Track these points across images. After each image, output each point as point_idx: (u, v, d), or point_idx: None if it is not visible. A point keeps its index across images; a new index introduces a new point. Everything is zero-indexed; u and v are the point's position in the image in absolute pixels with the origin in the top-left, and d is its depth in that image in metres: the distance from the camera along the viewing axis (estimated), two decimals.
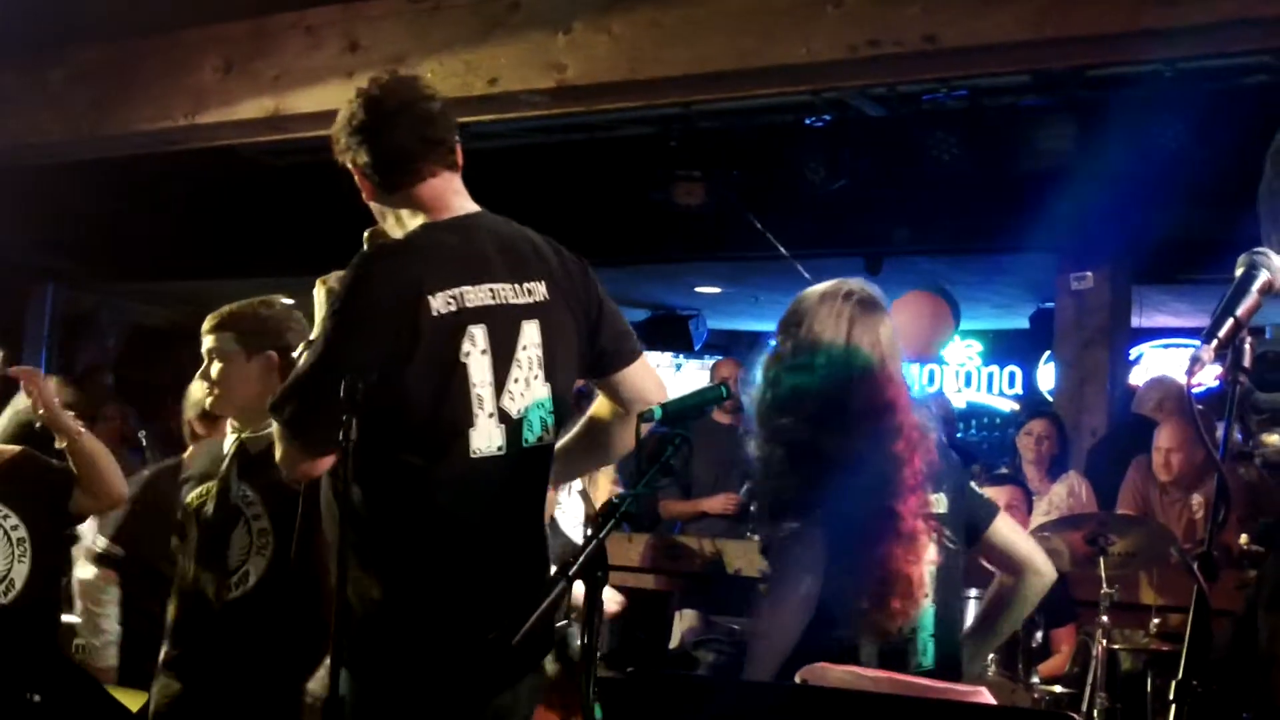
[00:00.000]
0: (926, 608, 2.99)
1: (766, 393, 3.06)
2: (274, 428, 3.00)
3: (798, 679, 2.83)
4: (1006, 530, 3.23)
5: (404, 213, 3.07)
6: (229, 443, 3.95)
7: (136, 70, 6.84)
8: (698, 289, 11.78)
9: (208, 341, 3.92)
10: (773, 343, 3.16)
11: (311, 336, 3.04)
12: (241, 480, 3.84)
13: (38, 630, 4.48)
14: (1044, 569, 3.25)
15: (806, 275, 9.37)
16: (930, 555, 2.98)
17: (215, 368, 3.90)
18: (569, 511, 5.73)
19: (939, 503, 3.02)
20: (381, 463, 2.90)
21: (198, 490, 3.93)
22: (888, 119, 7.47)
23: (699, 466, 7.45)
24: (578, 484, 5.71)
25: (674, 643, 6.90)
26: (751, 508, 3.36)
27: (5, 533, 4.40)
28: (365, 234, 3.10)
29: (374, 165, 3.05)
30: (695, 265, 10.49)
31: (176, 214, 9.31)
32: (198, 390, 4.13)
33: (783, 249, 8.76)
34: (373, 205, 3.14)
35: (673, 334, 12.84)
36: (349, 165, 3.11)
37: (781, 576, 2.94)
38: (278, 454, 2.97)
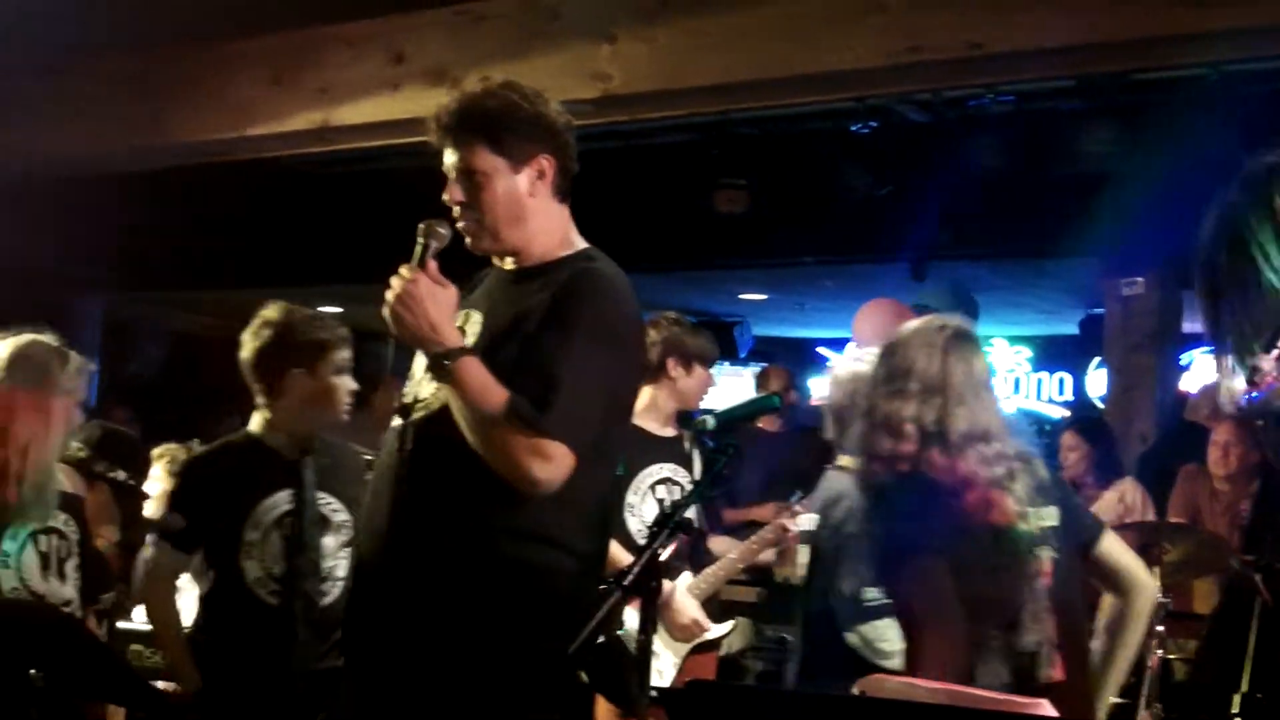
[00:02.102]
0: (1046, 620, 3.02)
1: (862, 420, 3.10)
2: (518, 440, 2.77)
3: (855, 690, 2.82)
4: (1116, 547, 3.25)
5: (567, 223, 3.12)
6: (278, 454, 4.01)
7: (178, 82, 6.86)
8: (741, 296, 11.73)
9: (349, 353, 4.06)
10: (865, 370, 3.27)
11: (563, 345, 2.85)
12: (320, 489, 3.99)
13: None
14: (1149, 585, 3.29)
15: (829, 283, 9.34)
16: (1045, 569, 3.01)
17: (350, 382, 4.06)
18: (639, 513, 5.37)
19: (1050, 516, 3.04)
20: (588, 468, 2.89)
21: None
22: (931, 124, 7.43)
23: (746, 474, 7.42)
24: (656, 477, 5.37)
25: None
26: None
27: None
28: (421, 225, 2.93)
29: (571, 171, 3.13)
30: (738, 272, 10.47)
31: (218, 223, 9.36)
32: None
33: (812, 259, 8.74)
34: (528, 204, 3.04)
35: (717, 342, 12.78)
36: (527, 153, 3.03)
37: (933, 610, 2.94)
38: (540, 469, 2.77)
